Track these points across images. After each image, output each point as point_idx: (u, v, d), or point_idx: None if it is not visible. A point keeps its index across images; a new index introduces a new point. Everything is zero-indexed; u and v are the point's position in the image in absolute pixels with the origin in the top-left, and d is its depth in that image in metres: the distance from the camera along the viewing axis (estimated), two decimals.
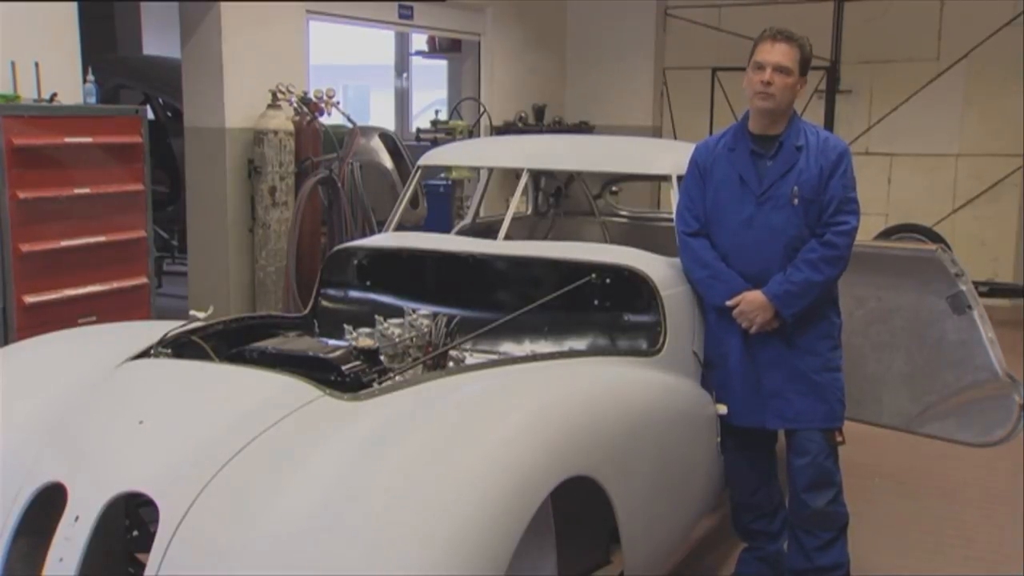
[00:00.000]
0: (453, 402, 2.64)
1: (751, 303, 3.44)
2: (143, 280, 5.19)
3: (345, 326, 3.52)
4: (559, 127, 9.90)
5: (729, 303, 3.49)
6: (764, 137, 3.48)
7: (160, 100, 8.62)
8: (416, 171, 4.63)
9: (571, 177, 5.61)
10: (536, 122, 9.66)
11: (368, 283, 3.92)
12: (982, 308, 4.03)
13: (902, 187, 9.60)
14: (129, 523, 2.74)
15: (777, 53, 3.38)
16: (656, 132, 10.43)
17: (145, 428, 2.47)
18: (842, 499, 3.54)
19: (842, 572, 3.55)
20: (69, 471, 2.43)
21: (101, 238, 4.92)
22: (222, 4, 6.22)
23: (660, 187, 9.58)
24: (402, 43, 10.85)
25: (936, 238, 7.59)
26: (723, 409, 3.55)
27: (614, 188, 5.88)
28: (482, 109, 9.04)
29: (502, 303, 3.65)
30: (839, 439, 3.52)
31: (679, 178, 4.03)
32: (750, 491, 3.73)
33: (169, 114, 8.57)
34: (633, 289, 3.50)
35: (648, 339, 3.47)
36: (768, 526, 3.77)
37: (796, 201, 3.41)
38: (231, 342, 3.29)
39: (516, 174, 4.75)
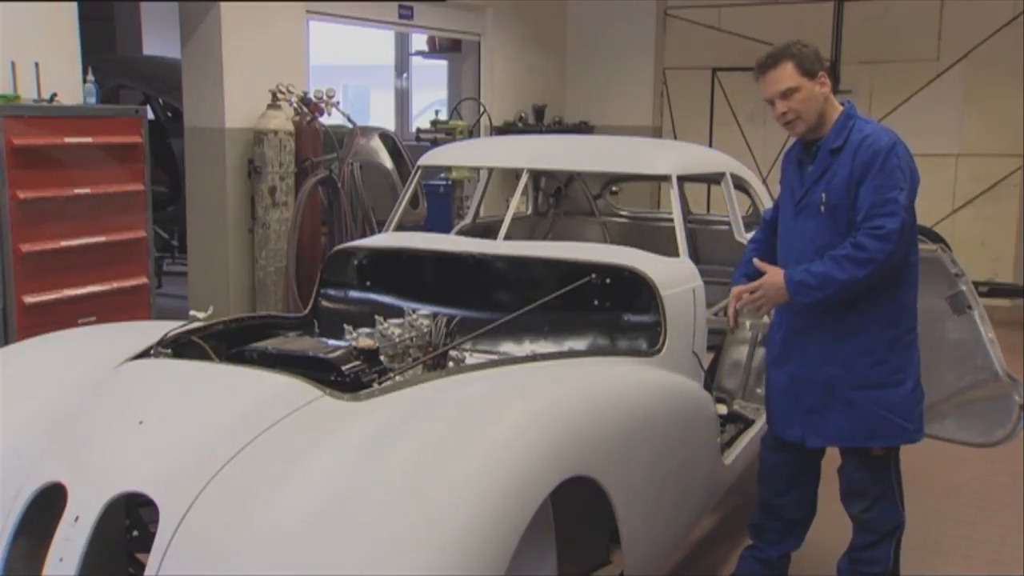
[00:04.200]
0: (453, 402, 2.63)
1: (771, 276, 3.33)
2: (143, 280, 5.19)
3: (345, 326, 3.51)
4: (559, 127, 9.90)
5: (759, 265, 3.43)
6: (808, 143, 3.42)
7: (160, 100, 8.62)
8: (416, 171, 4.63)
9: (571, 177, 5.61)
10: (536, 122, 9.66)
11: (368, 283, 3.92)
12: (982, 308, 4.02)
13: None
14: (129, 523, 2.75)
15: (771, 84, 3.29)
16: (656, 132, 10.42)
17: (145, 428, 2.47)
18: (881, 506, 3.47)
19: (880, 567, 3.51)
20: (69, 471, 2.43)
21: (101, 238, 4.92)
22: (222, 4, 6.22)
23: (660, 187, 9.58)
24: (402, 43, 10.85)
25: (936, 238, 7.57)
26: (723, 409, 3.55)
27: (614, 188, 5.89)
28: (482, 109, 9.04)
29: (502, 303, 3.64)
30: (878, 452, 3.41)
31: (679, 178, 4.04)
32: (778, 492, 3.65)
33: (169, 114, 8.57)
34: (633, 289, 3.50)
35: (648, 339, 3.47)
36: (779, 529, 3.70)
37: (823, 208, 3.30)
38: (231, 342, 3.29)
39: (516, 174, 4.76)
